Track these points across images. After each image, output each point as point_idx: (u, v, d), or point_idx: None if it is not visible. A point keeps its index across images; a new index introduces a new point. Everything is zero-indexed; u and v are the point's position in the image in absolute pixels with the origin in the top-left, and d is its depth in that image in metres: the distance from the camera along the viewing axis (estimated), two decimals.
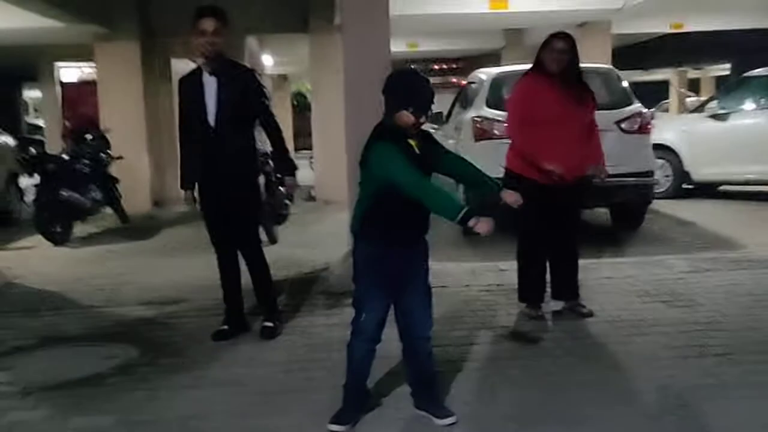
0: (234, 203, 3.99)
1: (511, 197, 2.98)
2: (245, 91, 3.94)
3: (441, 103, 13.56)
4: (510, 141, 4.32)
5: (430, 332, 2.99)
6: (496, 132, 6.22)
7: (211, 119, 3.88)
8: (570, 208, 4.31)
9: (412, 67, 3.27)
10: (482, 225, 2.66)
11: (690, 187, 9.07)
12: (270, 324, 4.09)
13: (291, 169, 4.22)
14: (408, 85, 2.84)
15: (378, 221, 2.83)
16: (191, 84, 3.95)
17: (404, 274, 2.89)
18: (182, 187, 4.15)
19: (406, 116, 2.75)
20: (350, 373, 2.94)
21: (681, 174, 8.95)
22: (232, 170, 3.93)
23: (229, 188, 3.95)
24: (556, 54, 4.07)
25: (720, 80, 23.93)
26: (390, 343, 3.14)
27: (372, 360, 2.95)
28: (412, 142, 2.81)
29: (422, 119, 2.78)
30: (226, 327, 4.08)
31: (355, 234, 2.93)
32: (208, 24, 3.82)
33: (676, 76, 25.19)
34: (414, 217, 2.83)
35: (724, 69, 22.83)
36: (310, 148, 11.83)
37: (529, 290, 4.34)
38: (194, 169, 4.05)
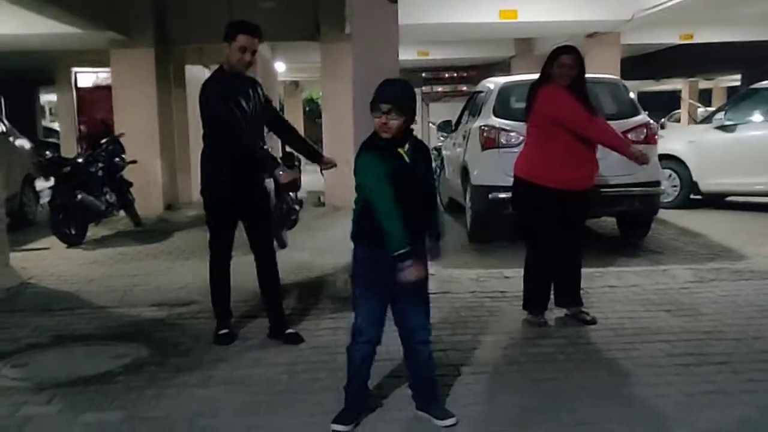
0: (258, 206, 4.06)
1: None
2: (264, 98, 4.14)
3: (452, 111, 13.61)
4: (589, 136, 4.16)
5: (429, 337, 3.05)
6: (503, 141, 6.29)
7: (247, 123, 3.96)
8: (578, 216, 4.37)
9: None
10: (411, 272, 2.73)
11: (698, 197, 9.09)
12: (292, 330, 4.14)
13: (319, 154, 4.29)
14: (373, 93, 2.88)
15: (368, 225, 2.88)
16: (238, 86, 3.94)
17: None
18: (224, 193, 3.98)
19: (375, 121, 2.82)
20: (350, 375, 3.01)
21: (689, 184, 8.97)
22: (256, 173, 4.02)
23: (254, 191, 4.03)
24: (566, 69, 4.11)
25: (731, 91, 23.88)
26: (391, 345, 3.23)
27: (371, 362, 3.01)
28: (401, 150, 2.86)
29: (384, 120, 2.77)
30: (227, 330, 4.15)
31: (352, 238, 3.01)
32: (252, 43, 3.92)
33: (687, 86, 25.15)
34: (407, 220, 2.82)
35: (735, 80, 22.79)
36: None
37: (533, 298, 4.38)
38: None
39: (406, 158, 2.88)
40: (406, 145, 2.89)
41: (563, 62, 4.12)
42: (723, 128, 8.74)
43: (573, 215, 4.28)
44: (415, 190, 2.90)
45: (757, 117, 8.77)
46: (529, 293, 4.40)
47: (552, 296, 4.44)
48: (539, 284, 4.37)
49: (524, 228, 4.47)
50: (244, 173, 3.94)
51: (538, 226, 4.27)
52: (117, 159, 8.31)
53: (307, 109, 26.11)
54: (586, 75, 4.27)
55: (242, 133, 3.84)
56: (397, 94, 2.83)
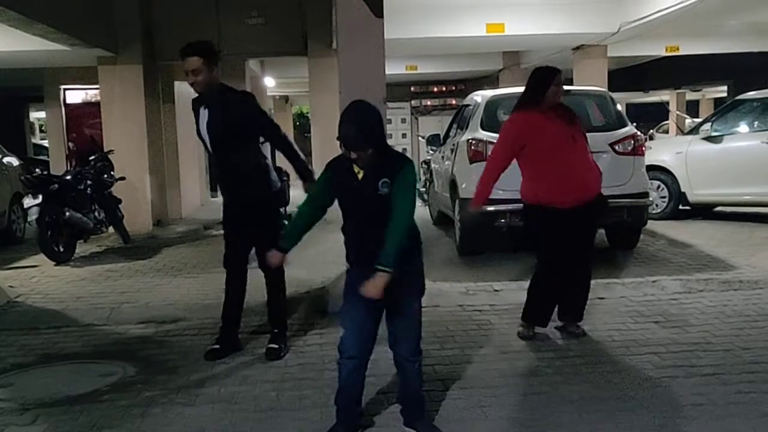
0: (254, 224, 4.05)
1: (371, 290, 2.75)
2: (237, 115, 3.94)
3: (441, 125, 13.57)
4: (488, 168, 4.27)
5: (417, 354, 3.00)
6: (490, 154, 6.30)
7: (209, 146, 4.05)
8: (586, 231, 4.28)
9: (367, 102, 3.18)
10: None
11: (686, 208, 9.14)
12: (275, 346, 4.12)
13: (308, 171, 4.13)
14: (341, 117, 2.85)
15: (345, 240, 2.97)
16: (194, 113, 4.08)
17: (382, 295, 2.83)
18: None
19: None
20: (339, 390, 3.00)
21: (677, 195, 9.02)
22: (243, 191, 4.04)
23: (246, 210, 4.05)
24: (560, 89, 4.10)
25: (718, 102, 24.11)
26: (381, 363, 3.21)
27: (360, 378, 2.99)
28: (356, 168, 2.84)
29: (351, 154, 2.77)
30: (218, 346, 4.13)
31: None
32: (189, 64, 3.87)
33: (674, 97, 25.36)
34: (365, 239, 2.83)
35: (721, 91, 23.01)
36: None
37: (537, 312, 4.30)
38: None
39: (358, 177, 2.85)
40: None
41: (558, 82, 4.09)
42: (710, 139, 8.80)
43: (582, 231, 4.18)
44: (366, 209, 2.86)
45: (743, 128, 8.85)
46: (534, 308, 4.30)
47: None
48: (547, 301, 4.29)
49: (537, 248, 4.36)
50: (233, 188, 4.03)
51: (548, 244, 4.19)
52: (105, 176, 8.30)
53: (298, 123, 26.14)
54: (574, 87, 4.29)
55: None
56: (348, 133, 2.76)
